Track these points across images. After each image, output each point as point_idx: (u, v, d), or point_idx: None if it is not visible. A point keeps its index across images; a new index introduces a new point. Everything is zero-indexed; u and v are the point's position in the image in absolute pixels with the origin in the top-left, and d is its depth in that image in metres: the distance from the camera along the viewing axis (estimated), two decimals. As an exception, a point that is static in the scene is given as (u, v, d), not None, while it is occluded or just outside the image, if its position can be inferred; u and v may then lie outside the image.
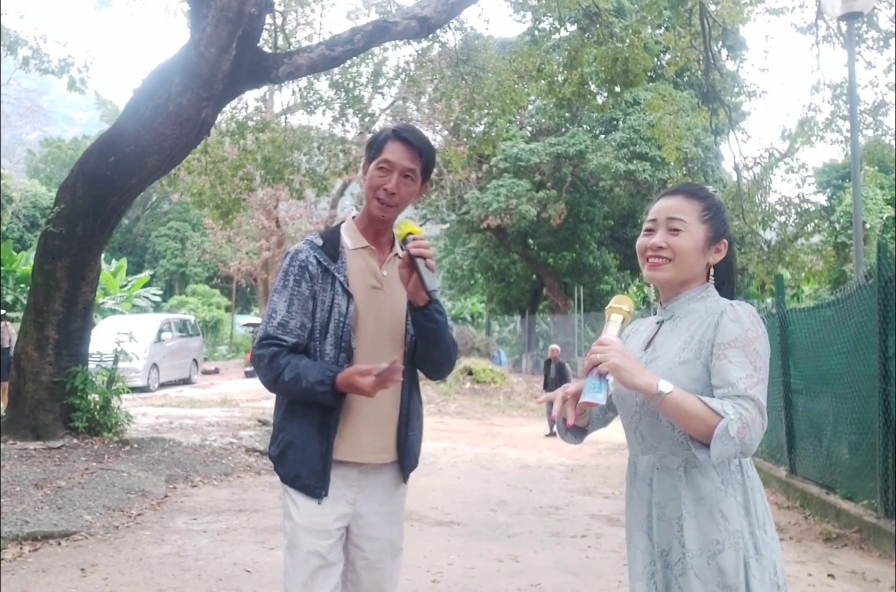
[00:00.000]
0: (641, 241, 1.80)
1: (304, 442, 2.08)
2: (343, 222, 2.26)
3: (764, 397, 1.63)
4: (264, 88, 15.13)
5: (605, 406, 1.83)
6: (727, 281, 1.84)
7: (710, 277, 1.80)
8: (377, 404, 2.09)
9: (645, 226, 1.81)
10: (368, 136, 2.31)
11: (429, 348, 2.15)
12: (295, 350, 2.07)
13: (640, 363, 1.65)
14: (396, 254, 2.19)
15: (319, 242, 2.16)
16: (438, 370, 2.24)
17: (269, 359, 2.05)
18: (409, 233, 2.03)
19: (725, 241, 1.80)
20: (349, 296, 2.09)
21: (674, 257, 1.74)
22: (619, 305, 1.72)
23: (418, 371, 2.26)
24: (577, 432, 1.93)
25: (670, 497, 1.70)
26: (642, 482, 1.76)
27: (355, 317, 2.10)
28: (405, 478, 2.22)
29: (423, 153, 2.13)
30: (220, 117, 10.33)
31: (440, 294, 2.14)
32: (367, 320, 2.11)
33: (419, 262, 1.98)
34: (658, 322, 1.83)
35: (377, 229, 2.19)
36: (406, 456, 2.17)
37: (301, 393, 2.02)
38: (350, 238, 2.18)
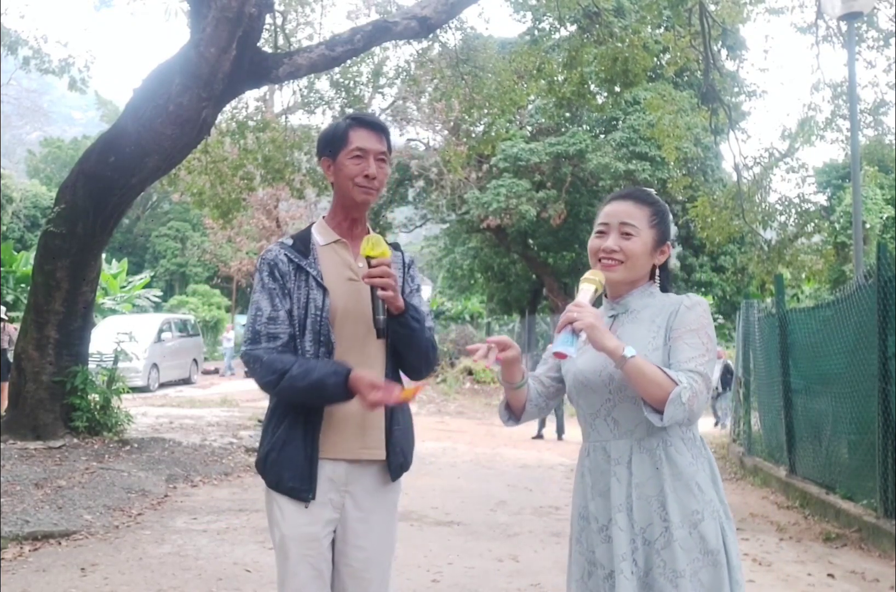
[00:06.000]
0: (594, 243, 1.93)
1: (287, 443, 2.03)
2: (313, 223, 2.24)
3: (712, 372, 1.83)
4: (264, 88, 15.14)
5: (547, 394, 2.05)
6: (664, 277, 1.99)
7: (656, 277, 1.96)
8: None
9: (597, 228, 1.94)
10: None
11: (404, 352, 2.12)
12: (292, 343, 2.04)
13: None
14: None
15: (289, 241, 2.15)
16: (416, 372, 2.19)
17: (267, 358, 2.00)
18: (368, 256, 1.99)
19: (669, 244, 1.97)
20: (324, 290, 2.07)
21: (626, 260, 1.89)
22: (592, 276, 1.85)
23: None
24: (515, 415, 2.11)
25: (649, 476, 1.81)
26: (619, 465, 1.85)
27: (333, 311, 2.07)
28: (393, 476, 2.12)
29: (385, 135, 2.17)
30: (220, 117, 10.33)
31: (423, 304, 2.22)
32: (346, 312, 2.09)
33: (377, 291, 1.98)
34: (611, 316, 1.96)
35: (352, 219, 2.17)
36: (392, 452, 2.10)
37: (306, 387, 1.94)
38: (320, 235, 2.17)
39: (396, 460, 2.11)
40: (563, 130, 23.73)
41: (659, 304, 1.92)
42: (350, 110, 12.72)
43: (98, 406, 8.05)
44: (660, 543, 1.77)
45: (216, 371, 22.82)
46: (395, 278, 2.01)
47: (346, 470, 2.07)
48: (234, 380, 20.48)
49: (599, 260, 1.91)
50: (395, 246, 2.26)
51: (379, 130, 2.14)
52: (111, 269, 25.83)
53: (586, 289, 1.83)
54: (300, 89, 12.61)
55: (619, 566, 1.78)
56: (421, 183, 24.96)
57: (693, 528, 1.76)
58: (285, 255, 2.09)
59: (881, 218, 19.94)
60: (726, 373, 13.98)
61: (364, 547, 2.09)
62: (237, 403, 13.56)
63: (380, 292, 1.96)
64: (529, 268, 27.29)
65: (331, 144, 2.14)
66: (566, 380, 2.00)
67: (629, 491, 1.82)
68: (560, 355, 1.74)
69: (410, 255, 2.31)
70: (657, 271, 1.96)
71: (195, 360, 20.27)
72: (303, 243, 2.13)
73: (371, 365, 2.09)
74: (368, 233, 2.17)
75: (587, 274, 1.87)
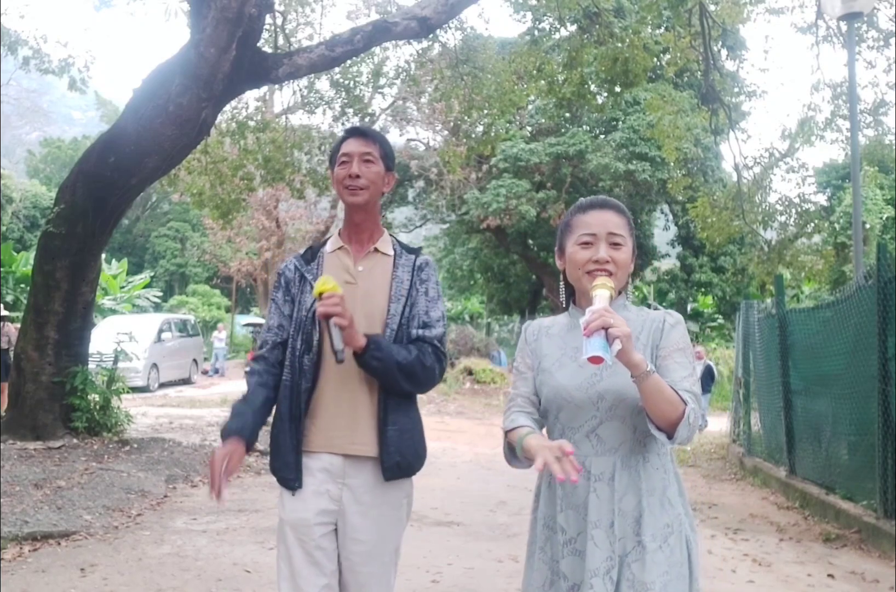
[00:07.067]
0: (582, 254, 1.86)
1: (277, 435, 2.20)
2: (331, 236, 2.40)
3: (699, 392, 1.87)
4: (264, 88, 15.14)
5: (538, 423, 1.97)
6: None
7: (629, 289, 1.95)
8: (350, 396, 2.16)
9: (582, 239, 1.87)
10: None
11: (380, 382, 2.17)
12: (276, 350, 2.25)
13: None
14: (376, 249, 2.28)
15: (302, 251, 2.36)
16: (405, 394, 2.22)
17: (251, 380, 2.25)
18: (321, 292, 2.06)
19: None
20: None
21: (616, 271, 1.84)
22: (605, 282, 1.79)
23: None
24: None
25: (626, 492, 1.81)
26: (599, 482, 1.83)
27: None
28: (386, 476, 2.14)
29: (376, 139, 2.28)
30: (220, 117, 10.33)
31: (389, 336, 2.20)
32: None
33: (331, 321, 2.03)
34: None
35: (356, 223, 2.28)
36: (385, 451, 2.13)
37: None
38: (331, 243, 2.33)
39: (391, 459, 2.13)
40: (563, 130, 23.74)
41: (637, 318, 1.88)
42: (350, 110, 12.72)
43: (98, 407, 8.05)
44: (632, 557, 1.77)
45: (217, 371, 22.79)
46: (349, 314, 2.04)
47: (342, 464, 2.16)
48: (234, 380, 20.45)
49: (588, 272, 1.84)
50: (411, 250, 2.34)
51: (363, 134, 2.27)
52: (111, 269, 25.85)
53: (602, 295, 1.75)
54: (300, 89, 12.61)
55: (589, 581, 1.76)
56: (421, 183, 24.98)
57: (664, 541, 1.78)
58: (294, 264, 2.29)
59: (881, 218, 19.95)
60: (707, 375, 13.97)
61: (363, 541, 2.15)
62: (237, 403, 13.53)
63: (334, 320, 2.02)
64: (529, 268, 27.30)
65: (330, 160, 2.33)
66: (541, 393, 1.94)
67: (611, 507, 1.80)
68: (596, 361, 1.63)
69: (427, 257, 2.35)
70: (630, 283, 1.94)
71: (195, 360, 20.26)
72: (312, 252, 2.32)
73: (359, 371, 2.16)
74: (381, 235, 2.30)
75: (599, 280, 1.79)
